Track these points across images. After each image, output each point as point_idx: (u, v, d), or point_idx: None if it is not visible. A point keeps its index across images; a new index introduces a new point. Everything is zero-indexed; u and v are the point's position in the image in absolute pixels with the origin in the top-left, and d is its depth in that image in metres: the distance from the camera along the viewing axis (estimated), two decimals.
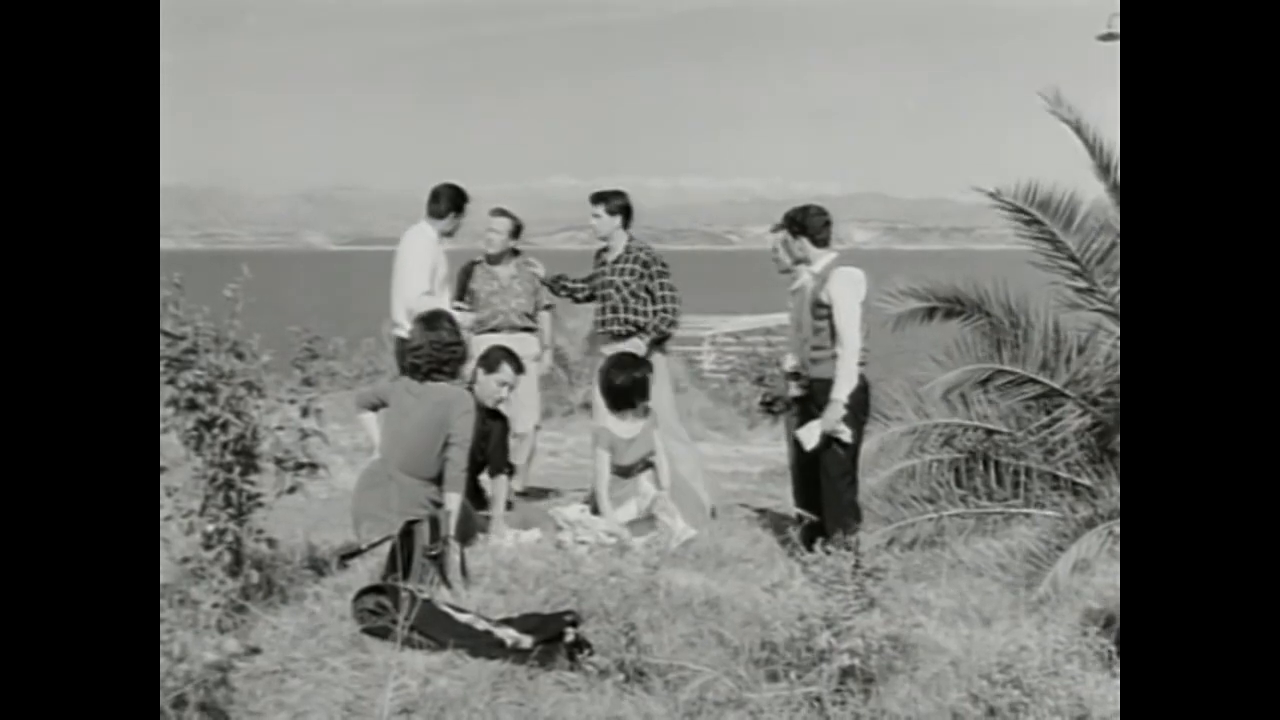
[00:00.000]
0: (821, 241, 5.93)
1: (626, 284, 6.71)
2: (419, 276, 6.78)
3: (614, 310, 6.74)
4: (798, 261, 6.02)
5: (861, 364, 5.77)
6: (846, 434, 5.70)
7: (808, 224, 5.94)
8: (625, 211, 6.79)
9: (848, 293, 5.73)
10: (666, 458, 6.29)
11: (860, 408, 5.80)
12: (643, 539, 5.68)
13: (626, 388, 6.20)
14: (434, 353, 5.46)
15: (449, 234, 7.04)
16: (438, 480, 5.26)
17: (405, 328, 6.58)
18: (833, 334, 5.72)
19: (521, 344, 6.76)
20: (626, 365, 6.29)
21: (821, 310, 5.77)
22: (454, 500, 5.17)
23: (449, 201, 6.98)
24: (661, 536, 5.72)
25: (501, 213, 7.27)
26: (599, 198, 6.83)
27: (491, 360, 6.03)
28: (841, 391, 5.66)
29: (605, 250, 6.87)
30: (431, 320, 5.61)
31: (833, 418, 5.69)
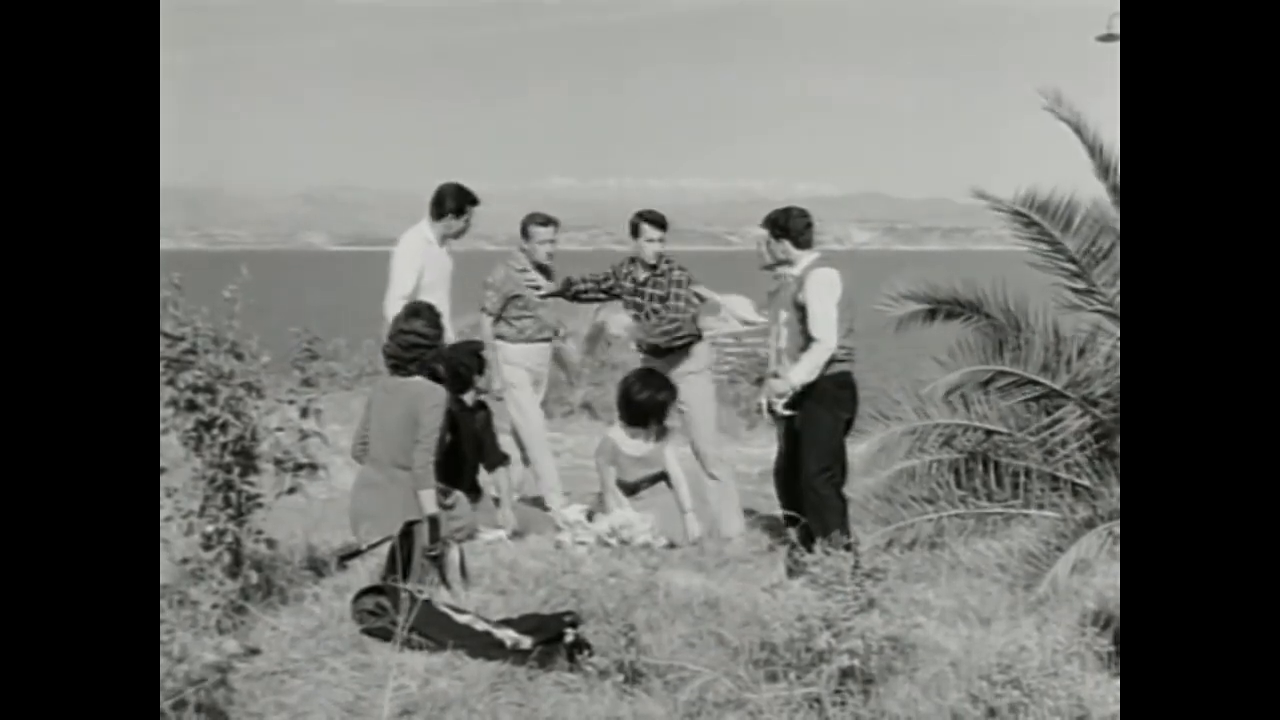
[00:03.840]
0: (804, 243, 5.90)
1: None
2: (401, 281, 6.48)
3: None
4: (781, 263, 5.98)
5: (846, 361, 5.76)
6: (779, 405, 5.73)
7: (789, 226, 5.91)
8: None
9: (823, 294, 5.73)
10: (684, 479, 6.15)
11: (839, 404, 5.77)
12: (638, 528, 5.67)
13: (644, 406, 6.11)
14: (400, 348, 5.29)
15: (452, 236, 6.69)
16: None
17: None
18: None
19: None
20: (651, 384, 6.17)
21: (802, 311, 5.76)
22: (428, 498, 4.98)
23: (450, 202, 6.63)
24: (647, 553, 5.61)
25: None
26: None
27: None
28: (794, 374, 5.66)
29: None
30: (409, 313, 5.46)
31: (774, 388, 5.74)
